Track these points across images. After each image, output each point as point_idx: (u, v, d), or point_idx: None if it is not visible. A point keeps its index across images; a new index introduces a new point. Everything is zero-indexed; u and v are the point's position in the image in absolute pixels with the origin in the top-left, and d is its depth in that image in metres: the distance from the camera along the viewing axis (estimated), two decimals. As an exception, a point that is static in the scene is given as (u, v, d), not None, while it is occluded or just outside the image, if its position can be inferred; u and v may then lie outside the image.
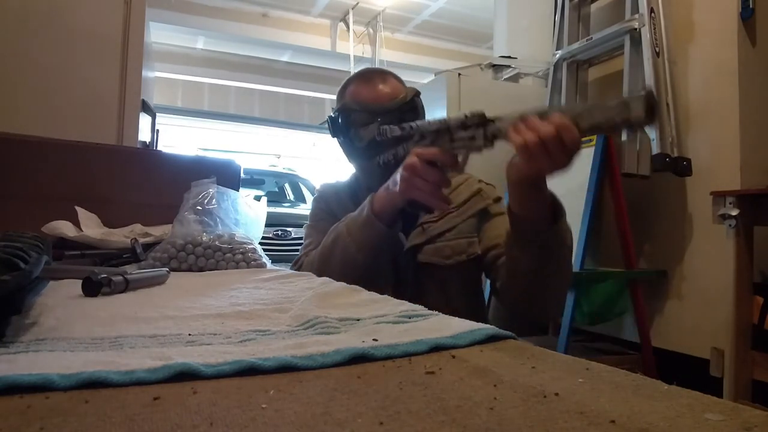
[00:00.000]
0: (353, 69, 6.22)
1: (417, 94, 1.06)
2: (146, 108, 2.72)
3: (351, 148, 1.05)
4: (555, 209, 0.81)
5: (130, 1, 2.49)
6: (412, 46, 6.58)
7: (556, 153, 0.68)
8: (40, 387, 0.26)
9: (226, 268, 0.93)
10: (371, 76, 1.08)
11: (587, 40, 2.51)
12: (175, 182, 1.14)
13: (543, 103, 2.73)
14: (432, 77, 3.15)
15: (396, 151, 0.87)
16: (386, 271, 0.99)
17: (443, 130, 0.78)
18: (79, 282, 0.58)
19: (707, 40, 2.11)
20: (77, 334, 0.39)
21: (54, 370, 0.27)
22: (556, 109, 0.67)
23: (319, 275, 0.84)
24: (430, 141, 0.80)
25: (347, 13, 6.04)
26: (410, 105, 1.03)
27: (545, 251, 0.81)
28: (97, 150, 1.35)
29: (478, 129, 0.74)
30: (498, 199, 1.07)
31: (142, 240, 1.02)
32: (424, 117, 1.04)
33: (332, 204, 1.13)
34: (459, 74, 2.80)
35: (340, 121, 1.04)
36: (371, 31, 6.35)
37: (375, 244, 0.90)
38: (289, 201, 5.14)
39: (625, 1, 2.33)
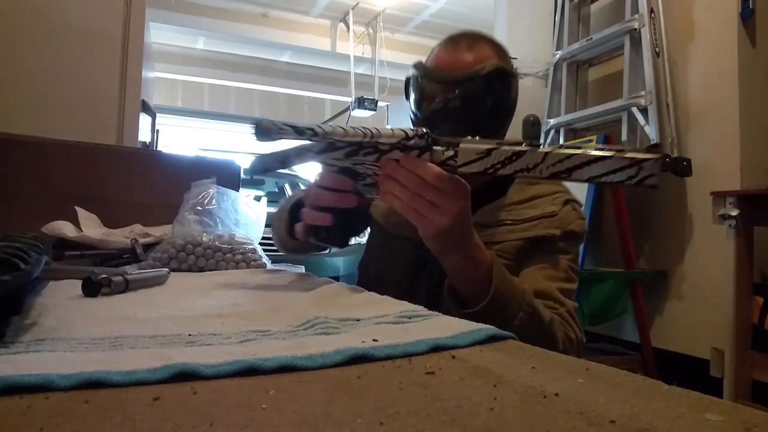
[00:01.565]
0: (353, 69, 6.23)
1: (502, 70, 0.81)
2: (146, 108, 2.73)
3: (413, 118, 0.87)
4: (495, 282, 0.64)
5: (130, 1, 2.49)
6: (412, 47, 6.57)
7: (426, 208, 0.58)
8: (40, 387, 0.26)
9: (226, 269, 0.93)
10: (459, 38, 0.86)
11: (587, 41, 2.51)
12: (175, 182, 1.14)
13: (543, 104, 2.73)
14: (432, 77, 3.15)
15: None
16: (399, 271, 0.86)
17: (367, 146, 0.58)
18: (79, 282, 0.58)
19: (707, 40, 2.11)
20: (77, 334, 0.39)
21: (54, 371, 0.27)
22: (554, 157, 0.52)
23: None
24: (344, 154, 0.60)
25: (347, 14, 6.03)
26: (487, 80, 0.79)
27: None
28: (97, 150, 1.35)
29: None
30: (572, 235, 0.82)
31: (142, 240, 1.02)
32: (509, 101, 0.85)
33: None
34: (459, 74, 2.80)
35: (410, 84, 0.87)
36: (371, 31, 6.35)
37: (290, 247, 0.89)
38: (289, 201, 5.12)
39: (625, 1, 2.33)
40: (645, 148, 0.49)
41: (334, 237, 0.68)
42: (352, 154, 0.59)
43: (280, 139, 0.56)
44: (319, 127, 0.56)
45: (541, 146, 0.53)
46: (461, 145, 0.56)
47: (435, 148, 0.58)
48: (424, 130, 0.57)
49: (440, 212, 0.59)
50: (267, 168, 0.67)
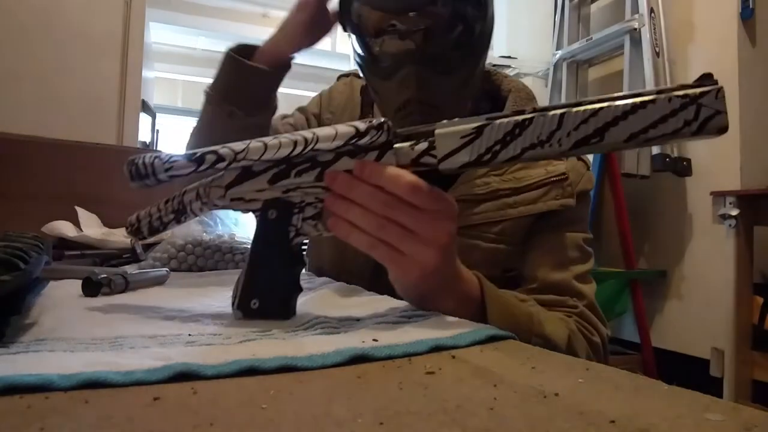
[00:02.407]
0: (353, 69, 6.23)
1: None
2: (146, 108, 2.73)
3: (359, 62, 0.67)
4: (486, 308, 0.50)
5: (130, 1, 2.49)
6: (412, 46, 6.56)
7: (401, 239, 0.41)
8: (40, 387, 0.26)
9: (226, 268, 0.93)
10: None
11: (587, 40, 2.51)
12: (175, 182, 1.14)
13: (543, 104, 2.72)
14: (432, 77, 3.14)
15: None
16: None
17: (301, 159, 0.43)
18: (79, 282, 0.58)
19: (707, 40, 2.11)
20: (77, 334, 0.39)
21: (54, 371, 0.27)
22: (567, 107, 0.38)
23: None
24: (268, 180, 0.45)
25: (347, 13, 6.03)
26: (444, 5, 0.58)
27: None
28: (97, 150, 1.35)
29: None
30: (583, 196, 0.69)
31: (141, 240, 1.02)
32: (488, 26, 0.63)
33: (336, 107, 0.80)
34: (459, 74, 2.80)
35: (344, 12, 0.65)
36: (371, 31, 6.35)
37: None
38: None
39: (625, 1, 2.33)
40: (696, 80, 0.36)
41: (271, 307, 0.46)
42: (281, 177, 0.43)
43: (172, 178, 0.44)
44: (226, 147, 0.42)
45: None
46: (437, 131, 0.40)
47: (398, 145, 0.42)
48: (382, 119, 0.41)
49: (423, 244, 0.42)
50: (155, 229, 0.50)
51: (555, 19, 2.73)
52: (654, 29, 2.17)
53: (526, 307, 0.56)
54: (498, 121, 0.39)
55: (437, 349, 0.35)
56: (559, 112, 0.38)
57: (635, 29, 2.23)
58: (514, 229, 0.66)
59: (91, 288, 0.58)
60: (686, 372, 2.09)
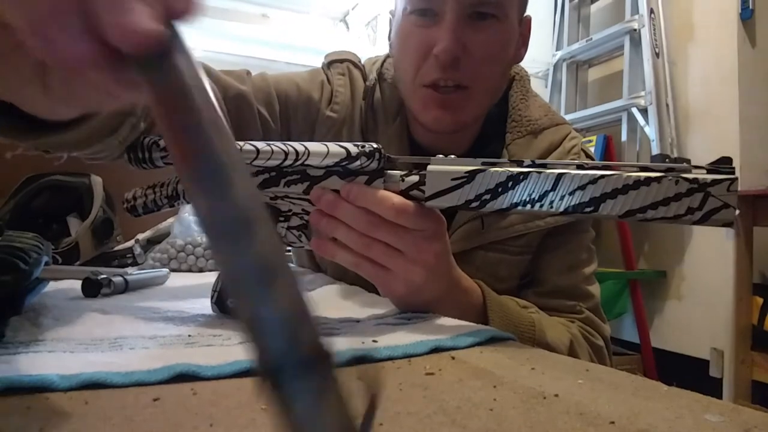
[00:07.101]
0: (353, 69, 6.22)
1: None
2: (146, 108, 2.72)
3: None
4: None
5: (130, 2, 2.49)
6: (412, 47, 6.55)
7: (386, 258, 0.42)
8: (40, 388, 0.26)
9: (226, 269, 0.93)
10: None
11: (587, 41, 2.51)
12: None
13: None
14: (432, 77, 3.14)
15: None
16: None
17: (292, 170, 0.44)
18: (79, 282, 0.58)
19: (707, 40, 2.11)
20: (77, 334, 0.39)
21: (54, 371, 0.27)
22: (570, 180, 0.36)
23: None
24: (258, 185, 0.45)
25: (347, 14, 6.04)
26: None
27: None
28: (97, 150, 1.35)
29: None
30: None
31: (141, 238, 1.02)
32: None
33: (341, 106, 0.68)
34: (459, 74, 2.79)
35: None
36: (371, 31, 6.36)
37: None
38: (289, 201, 5.12)
39: (625, 1, 2.33)
40: (711, 163, 0.34)
41: None
42: (271, 183, 0.44)
43: (167, 165, 0.46)
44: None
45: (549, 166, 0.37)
46: (429, 167, 0.40)
47: (390, 172, 0.42)
48: (374, 145, 0.41)
49: (408, 263, 0.42)
50: (149, 210, 0.54)
51: (555, 20, 2.73)
52: (654, 30, 2.17)
53: (527, 315, 0.55)
54: (492, 170, 0.38)
55: (437, 350, 0.35)
56: (557, 171, 0.36)
57: (635, 30, 2.23)
58: (525, 243, 0.64)
59: (91, 288, 0.58)
60: (686, 372, 2.09)
